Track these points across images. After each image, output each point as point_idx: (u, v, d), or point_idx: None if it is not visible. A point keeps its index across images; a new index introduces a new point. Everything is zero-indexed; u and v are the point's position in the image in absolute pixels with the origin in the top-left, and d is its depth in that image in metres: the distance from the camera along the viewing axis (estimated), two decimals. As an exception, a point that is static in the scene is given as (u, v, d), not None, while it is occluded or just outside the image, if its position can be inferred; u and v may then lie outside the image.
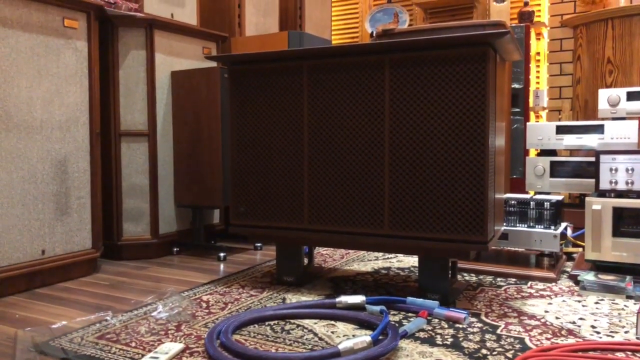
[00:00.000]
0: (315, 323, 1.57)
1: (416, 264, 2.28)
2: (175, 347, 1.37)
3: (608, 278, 1.85)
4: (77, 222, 2.15)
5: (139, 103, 2.46)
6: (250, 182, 1.98)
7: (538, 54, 3.83)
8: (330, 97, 1.83)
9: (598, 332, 1.48)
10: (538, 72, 3.86)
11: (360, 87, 1.78)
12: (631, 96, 2.31)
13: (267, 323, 1.57)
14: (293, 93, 1.89)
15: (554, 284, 1.97)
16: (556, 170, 2.41)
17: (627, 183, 2.01)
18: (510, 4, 3.91)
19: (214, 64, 2.70)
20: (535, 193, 2.45)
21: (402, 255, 2.45)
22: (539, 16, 3.87)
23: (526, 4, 3.75)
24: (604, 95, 2.34)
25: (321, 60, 1.84)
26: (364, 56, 1.77)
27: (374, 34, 1.92)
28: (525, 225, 2.12)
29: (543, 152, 2.48)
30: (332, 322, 1.58)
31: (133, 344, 1.42)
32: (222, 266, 2.34)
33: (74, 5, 2.11)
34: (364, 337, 1.33)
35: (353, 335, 1.47)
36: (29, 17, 1.96)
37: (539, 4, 3.91)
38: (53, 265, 2.05)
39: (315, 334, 1.48)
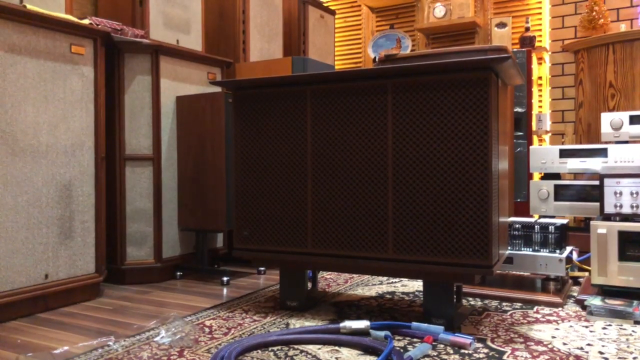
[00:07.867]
0: (319, 349, 1.56)
1: (421, 289, 2.26)
2: (177, 373, 1.36)
3: (615, 303, 1.83)
4: (80, 246, 2.15)
5: (144, 128, 2.48)
6: (254, 206, 1.98)
7: (540, 78, 3.86)
8: (334, 122, 1.84)
9: (606, 359, 1.46)
10: (540, 96, 3.88)
11: (363, 111, 1.80)
12: (634, 120, 2.32)
13: (270, 349, 1.56)
14: (296, 118, 1.90)
15: (560, 308, 1.95)
16: (560, 193, 2.41)
17: (632, 207, 2.00)
18: (512, 30, 3.96)
19: (218, 89, 2.72)
20: (540, 217, 2.44)
21: (406, 279, 2.44)
22: (540, 41, 3.91)
23: (527, 29, 3.79)
24: (607, 119, 2.35)
25: (324, 85, 1.85)
26: (367, 81, 1.79)
27: (377, 59, 1.94)
28: (530, 249, 2.11)
29: (547, 176, 2.48)
30: (336, 347, 1.57)
31: (135, 370, 1.41)
32: (225, 290, 2.33)
33: (81, 32, 2.14)
34: (369, 363, 1.32)
35: (357, 361, 1.45)
36: (36, 43, 1.99)
37: (540, 29, 3.95)
38: (56, 289, 2.04)
39: (319, 360, 1.46)
